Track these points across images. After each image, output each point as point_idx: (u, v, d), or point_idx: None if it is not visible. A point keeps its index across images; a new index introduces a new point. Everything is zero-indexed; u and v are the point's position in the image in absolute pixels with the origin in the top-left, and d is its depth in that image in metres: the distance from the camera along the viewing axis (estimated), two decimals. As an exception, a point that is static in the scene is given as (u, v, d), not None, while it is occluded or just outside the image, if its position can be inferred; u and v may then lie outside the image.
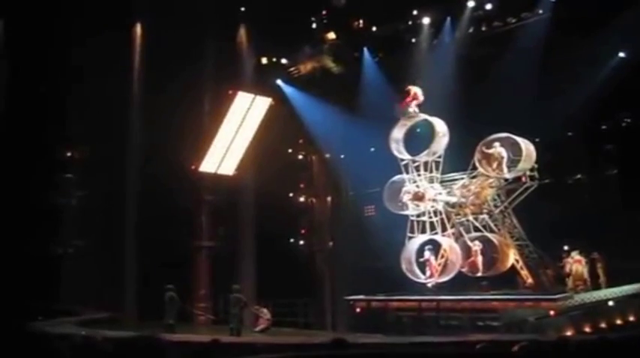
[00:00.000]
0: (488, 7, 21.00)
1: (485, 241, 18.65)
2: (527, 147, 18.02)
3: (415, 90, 19.43)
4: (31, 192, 24.19)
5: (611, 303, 16.53)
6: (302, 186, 25.47)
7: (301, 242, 24.71)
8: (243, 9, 24.51)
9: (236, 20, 24.59)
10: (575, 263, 17.62)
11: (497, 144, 18.34)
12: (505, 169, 18.30)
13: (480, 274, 18.53)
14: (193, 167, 23.95)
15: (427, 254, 19.31)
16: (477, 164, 18.55)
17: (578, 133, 20.62)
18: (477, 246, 18.71)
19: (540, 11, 20.25)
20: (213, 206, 24.72)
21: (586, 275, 17.37)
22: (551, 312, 15.31)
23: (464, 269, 18.67)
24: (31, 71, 23.59)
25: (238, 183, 24.32)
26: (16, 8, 23.16)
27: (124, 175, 24.88)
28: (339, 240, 24.29)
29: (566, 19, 19.18)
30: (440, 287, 18.71)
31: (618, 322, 16.12)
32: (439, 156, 19.35)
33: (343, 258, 23.74)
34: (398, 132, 19.82)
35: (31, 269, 22.88)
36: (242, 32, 24.72)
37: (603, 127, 20.60)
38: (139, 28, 25.09)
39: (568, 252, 17.65)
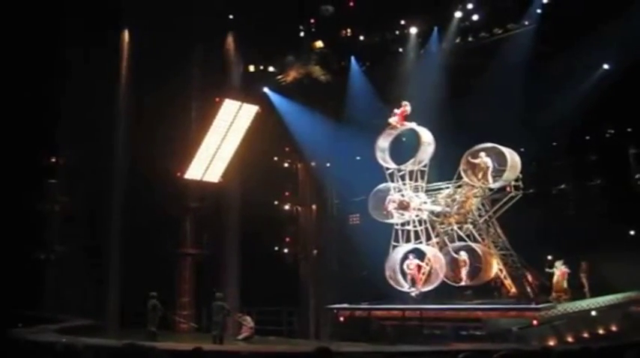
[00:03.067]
0: (475, 17, 21.17)
1: (469, 251, 18.68)
2: (512, 157, 18.11)
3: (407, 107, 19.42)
4: (14, 198, 23.96)
5: (593, 313, 16.60)
6: (287, 194, 25.42)
7: (286, 250, 24.62)
8: (231, 17, 24.52)
9: (224, 28, 24.59)
10: (561, 274, 17.68)
11: (482, 153, 18.42)
12: (490, 179, 18.38)
13: (463, 283, 18.56)
14: (179, 174, 23.84)
15: (411, 263, 19.29)
16: (463, 174, 18.61)
17: (562, 144, 20.80)
18: (463, 256, 18.74)
19: (526, 23, 20.43)
20: (198, 213, 24.62)
21: (566, 285, 17.43)
22: (535, 322, 15.33)
23: (447, 279, 18.67)
24: (16, 76, 23.43)
25: (224, 191, 24.23)
26: (4, 13, 23.02)
27: (109, 181, 24.71)
28: (324, 249, 24.23)
29: (552, 30, 19.39)
30: (424, 297, 18.69)
31: (601, 332, 16.19)
32: (424, 165, 19.40)
33: (327, 266, 23.69)
34: (383, 141, 19.85)
35: (12, 274, 22.63)
36: (230, 40, 24.72)
37: (587, 138, 20.78)
38: (126, 35, 25.03)
39: (552, 262, 17.70)
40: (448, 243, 19.15)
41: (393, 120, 19.47)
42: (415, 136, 19.52)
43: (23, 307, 22.08)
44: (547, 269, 17.92)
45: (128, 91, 24.79)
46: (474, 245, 18.66)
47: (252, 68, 24.92)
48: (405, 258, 19.35)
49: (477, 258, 18.50)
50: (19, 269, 23.36)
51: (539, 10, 20.17)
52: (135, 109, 24.33)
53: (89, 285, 24.73)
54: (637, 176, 19.58)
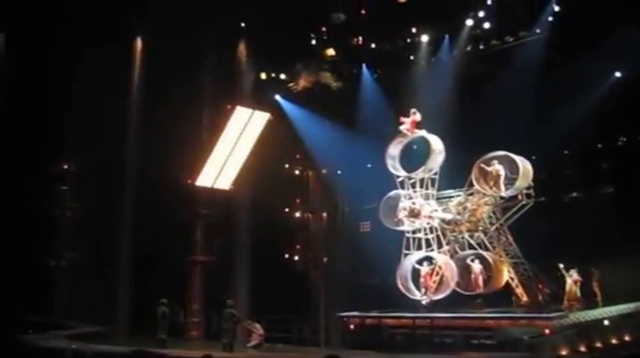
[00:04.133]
0: (487, 25, 21.20)
1: (479, 259, 18.57)
2: (524, 165, 17.99)
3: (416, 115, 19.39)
4: (26, 204, 24.13)
5: (606, 322, 16.41)
6: (298, 201, 25.41)
7: (296, 257, 24.59)
8: (243, 24, 24.66)
9: (236, 35, 24.73)
10: (573, 282, 17.51)
11: (495, 161, 18.30)
12: (502, 187, 18.24)
13: (478, 291, 18.43)
14: (190, 181, 23.91)
15: (423, 271, 19.20)
16: (475, 182, 18.51)
17: (574, 152, 20.69)
18: (478, 265, 18.62)
19: (538, 31, 20.43)
20: (209, 220, 24.64)
21: (579, 294, 17.26)
22: (546, 331, 15.16)
23: (459, 287, 18.56)
24: (30, 84, 23.67)
25: (234, 198, 24.26)
26: (17, 22, 23.30)
27: (121, 188, 24.83)
28: (334, 256, 24.18)
29: (563, 38, 19.35)
30: (434, 305, 18.57)
31: (614, 342, 15.99)
32: (435, 173, 19.31)
33: (338, 273, 23.62)
34: (394, 149, 19.81)
35: (23, 281, 22.77)
36: (242, 47, 24.85)
37: (599, 146, 20.65)
38: (139, 42, 25.22)
39: (566, 270, 17.53)
40: (459, 250, 19.04)
41: (403, 128, 19.44)
42: (426, 144, 19.47)
43: (34, 313, 22.23)
44: (567, 276, 17.66)
45: (140, 98, 24.97)
46: (484, 253, 18.54)
47: (263, 76, 24.99)
48: (417, 265, 19.26)
49: (487, 266, 18.38)
50: (29, 276, 23.51)
51: (550, 18, 20.19)
52: (146, 116, 24.49)
53: (99, 292, 24.81)
54: (650, 184, 19.46)
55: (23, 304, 21.68)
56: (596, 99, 19.32)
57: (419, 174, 19.51)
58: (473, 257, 18.77)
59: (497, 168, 18.27)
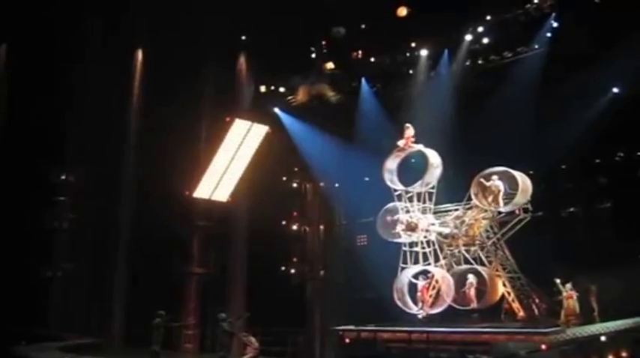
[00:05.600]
0: (485, 40, 21.23)
1: (475, 273, 18.46)
2: (523, 181, 17.93)
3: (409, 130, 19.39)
4: (24, 214, 24.12)
5: (603, 338, 16.23)
6: (295, 213, 25.34)
7: (292, 270, 24.46)
8: (243, 38, 24.82)
9: (236, 48, 24.88)
10: (568, 297, 17.38)
11: (494, 177, 18.24)
12: (501, 203, 18.17)
13: (471, 306, 18.30)
14: (187, 192, 23.89)
15: (420, 285, 19.08)
16: (473, 197, 18.43)
17: (572, 166, 20.63)
18: (472, 279, 18.52)
19: (536, 46, 20.46)
20: (206, 232, 24.60)
21: (578, 308, 17.11)
22: (543, 346, 14.95)
23: (454, 302, 18.43)
24: (30, 94, 23.79)
25: (232, 210, 24.24)
26: (19, 33, 23.48)
27: (118, 199, 24.84)
28: (331, 269, 24.06)
29: (561, 54, 19.42)
30: (430, 319, 18.43)
31: (611, 357, 15.85)
32: (432, 187, 19.24)
33: (334, 287, 23.48)
34: (391, 163, 19.75)
35: (19, 291, 22.68)
36: (242, 60, 25.02)
37: (597, 161, 20.61)
38: (140, 54, 25.39)
39: (562, 285, 17.41)
40: (454, 265, 18.94)
41: (401, 142, 19.43)
42: (423, 158, 19.44)
43: (28, 324, 22.12)
44: (562, 293, 17.56)
45: (139, 110, 25.07)
46: (479, 268, 18.44)
47: (263, 88, 25.13)
48: (415, 279, 19.13)
49: (482, 281, 18.27)
50: (25, 287, 23.44)
51: (549, 34, 20.20)
52: (145, 128, 24.56)
53: (95, 303, 24.73)
54: (647, 199, 19.39)
55: (18, 315, 21.60)
56: (593, 115, 19.30)
57: (416, 188, 19.46)
58: (464, 271, 18.66)
59: (497, 183, 18.21)
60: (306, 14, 22.12)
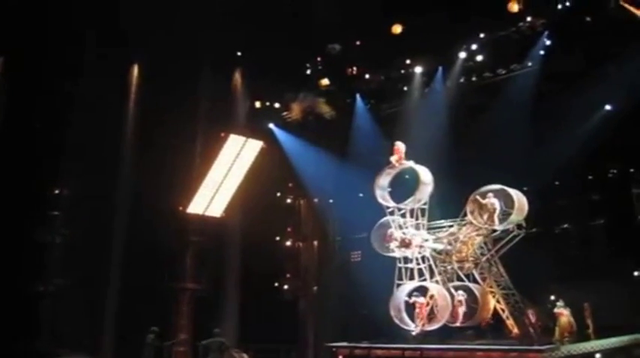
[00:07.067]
0: (479, 58, 21.40)
1: (466, 291, 18.39)
2: (519, 199, 17.89)
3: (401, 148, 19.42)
4: (16, 228, 23.96)
5: (598, 356, 16.15)
6: (289, 229, 25.30)
7: (286, 286, 24.34)
8: (239, 53, 24.93)
9: (232, 64, 24.97)
10: (562, 314, 17.32)
11: (490, 195, 18.21)
12: (497, 221, 18.12)
13: (458, 324, 18.18)
14: (181, 208, 23.82)
15: (418, 302, 18.91)
16: (469, 214, 18.36)
17: (566, 183, 20.66)
18: (460, 296, 18.44)
19: (529, 64, 20.65)
20: (199, 248, 24.47)
21: (573, 325, 17.03)
22: (537, 363, 14.92)
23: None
24: (26, 107, 23.76)
25: (225, 226, 24.15)
26: (16, 47, 23.52)
27: (111, 214, 24.71)
28: (324, 285, 23.97)
29: (554, 71, 19.60)
30: (425, 336, 18.28)
31: (605, 375, 15.76)
32: (424, 203, 19.20)
33: (328, 303, 23.38)
34: (383, 180, 19.71)
35: (9, 307, 22.44)
36: (237, 76, 25.10)
37: (590, 177, 20.67)
38: (135, 69, 25.44)
39: (554, 302, 17.36)
40: (447, 281, 18.86)
41: (393, 158, 19.45)
42: (415, 175, 19.44)
43: (19, 341, 21.85)
44: (553, 311, 17.52)
45: (135, 124, 25.06)
46: (471, 285, 18.37)
47: (258, 104, 25.18)
48: (409, 296, 19.01)
49: (473, 298, 18.18)
50: (16, 302, 23.20)
51: (542, 52, 20.40)
52: (140, 142, 24.54)
53: (87, 319, 24.47)
54: (640, 216, 19.46)
55: (8, 331, 21.35)
56: (587, 132, 19.40)
57: (408, 205, 19.42)
58: (457, 288, 18.59)
59: (493, 201, 18.14)
60: (302, 31, 22.29)
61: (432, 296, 18.67)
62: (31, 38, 23.03)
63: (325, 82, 24.25)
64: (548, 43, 20.17)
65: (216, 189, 23.84)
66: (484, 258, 18.71)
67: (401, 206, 19.44)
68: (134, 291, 23.23)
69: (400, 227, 19.14)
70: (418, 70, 22.56)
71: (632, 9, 17.93)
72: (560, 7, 19.44)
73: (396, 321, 18.82)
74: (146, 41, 23.24)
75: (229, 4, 21.99)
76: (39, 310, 25.00)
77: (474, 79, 21.86)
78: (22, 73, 23.53)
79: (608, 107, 19.83)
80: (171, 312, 23.51)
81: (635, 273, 19.11)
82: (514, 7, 19.84)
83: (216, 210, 23.93)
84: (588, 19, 19.00)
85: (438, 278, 18.88)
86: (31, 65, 23.24)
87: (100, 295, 24.06)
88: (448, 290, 18.66)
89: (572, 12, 19.24)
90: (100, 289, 24.14)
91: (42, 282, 25.25)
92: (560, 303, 17.19)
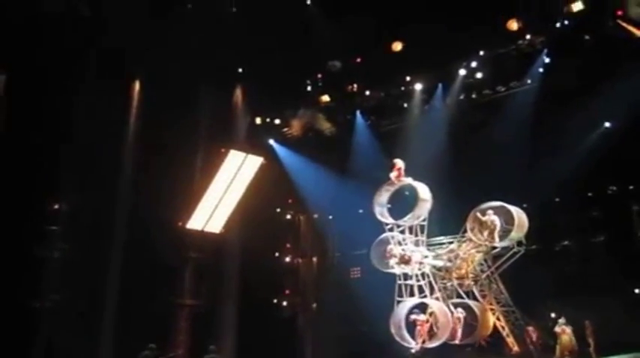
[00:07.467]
0: (479, 75, 21.48)
1: (465, 308, 18.27)
2: (519, 216, 17.92)
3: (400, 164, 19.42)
4: (13, 243, 23.87)
5: (599, 375, 16.05)
6: (288, 245, 25.21)
7: (284, 302, 24.18)
8: (240, 69, 25.03)
9: (233, 80, 25.06)
10: (563, 332, 17.19)
11: (490, 211, 18.22)
12: (497, 238, 18.09)
13: (457, 342, 18.05)
14: (180, 223, 23.73)
15: (419, 319, 18.78)
16: (469, 231, 18.34)
17: (565, 199, 20.64)
18: (459, 313, 18.33)
19: (529, 81, 20.75)
20: (198, 264, 24.33)
21: (574, 343, 16.90)
22: (537, 381, 14.81)
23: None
24: (26, 123, 23.80)
25: (225, 241, 24.02)
26: (18, 64, 23.64)
27: (110, 229, 24.62)
28: (323, 302, 23.82)
29: (554, 89, 19.67)
30: (424, 353, 18.16)
31: (606, 394, 15.60)
32: (424, 220, 19.16)
33: (327, 320, 23.19)
34: (382, 197, 19.71)
35: (6, 322, 22.28)
36: (238, 92, 25.15)
37: (590, 194, 20.65)
38: (137, 85, 25.53)
39: (556, 320, 17.24)
40: (446, 298, 18.76)
41: (392, 175, 19.45)
42: (414, 192, 19.42)
43: (14, 356, 21.65)
44: (554, 329, 17.39)
45: (135, 139, 25.07)
46: (470, 302, 18.26)
47: (258, 120, 25.20)
48: (410, 313, 18.90)
49: (472, 315, 18.06)
50: (11, 319, 23.02)
51: (541, 70, 20.50)
52: (141, 158, 24.54)
53: (83, 335, 24.28)
54: (640, 233, 19.42)
55: (3, 346, 21.17)
56: (586, 149, 19.44)
57: (407, 221, 19.37)
58: (456, 306, 18.49)
59: (493, 218, 18.18)
60: (303, 48, 22.42)
61: (431, 314, 18.57)
62: (32, 55, 23.16)
63: (325, 98, 24.30)
64: (547, 60, 20.27)
65: (216, 204, 23.75)
66: (484, 275, 18.67)
67: (400, 223, 19.40)
68: (132, 307, 23.08)
69: (400, 243, 19.09)
70: (418, 86, 22.62)
71: (629, 27, 18.09)
72: (558, 25, 19.56)
73: (397, 338, 18.69)
74: (147, 57, 23.37)
75: (231, 20, 22.18)
76: (35, 327, 24.84)
77: (473, 96, 21.93)
78: (23, 90, 23.64)
79: (607, 124, 19.89)
80: (169, 328, 23.32)
81: (636, 290, 19.04)
82: (513, 25, 20.02)
83: (216, 225, 23.81)
84: (587, 37, 19.13)
85: (438, 294, 18.79)
86: (32, 82, 23.35)
87: (98, 311, 23.89)
88: (447, 307, 18.58)
89: (570, 30, 19.36)
90: (97, 304, 23.98)
91: (38, 298, 25.11)
92: (561, 321, 17.09)
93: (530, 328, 17.88)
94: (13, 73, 24.42)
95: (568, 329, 17.14)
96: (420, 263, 18.87)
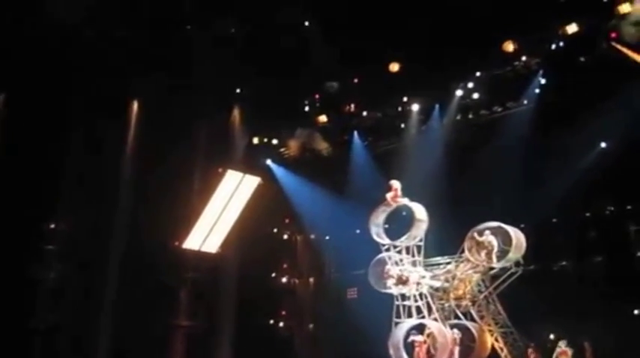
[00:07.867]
0: (476, 96, 21.67)
1: (463, 329, 18.13)
2: (517, 237, 17.79)
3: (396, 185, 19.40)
4: (8, 264, 23.73)
5: (599, 397, 15.88)
6: (285, 266, 25.13)
7: (281, 323, 24.02)
8: (238, 90, 25.16)
9: (230, 100, 25.17)
10: (562, 354, 17.05)
11: (488, 232, 18.13)
12: (495, 259, 18.00)
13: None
14: (177, 243, 23.67)
15: (417, 340, 18.58)
16: (467, 252, 18.22)
17: (563, 220, 20.63)
18: (455, 335, 18.16)
19: (525, 101, 20.89)
20: (194, 284, 24.22)
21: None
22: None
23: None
24: (24, 142, 23.82)
25: (221, 261, 23.95)
26: (17, 84, 23.74)
27: (106, 249, 24.53)
28: (320, 323, 23.68)
29: (550, 109, 19.80)
30: (421, 376, 17.95)
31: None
32: (420, 240, 19.07)
33: (323, 341, 23.05)
34: (378, 217, 19.61)
35: (2, 344, 22.07)
36: (236, 112, 25.24)
37: (587, 215, 20.66)
38: (135, 106, 25.61)
39: (554, 341, 17.11)
40: (443, 319, 18.60)
41: (388, 196, 19.41)
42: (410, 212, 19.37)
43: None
44: (556, 350, 17.21)
45: (133, 159, 25.08)
46: (468, 323, 18.13)
47: (256, 140, 25.30)
48: (408, 334, 18.71)
49: (469, 337, 17.92)
50: (8, 340, 22.81)
51: (537, 90, 20.67)
52: (138, 177, 24.53)
53: (79, 356, 24.05)
54: (639, 253, 19.31)
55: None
56: (583, 169, 19.47)
57: (404, 242, 19.28)
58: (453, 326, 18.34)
59: (490, 239, 18.03)
60: (300, 69, 22.56)
61: (429, 335, 18.40)
62: (31, 74, 23.25)
63: (323, 118, 24.43)
64: (543, 81, 20.44)
65: (213, 224, 23.72)
66: (482, 296, 18.54)
67: (396, 243, 19.30)
68: (128, 327, 22.90)
69: (397, 263, 18.99)
70: (415, 107, 22.77)
71: (624, 50, 18.26)
72: (554, 47, 19.78)
73: (395, 361, 18.49)
74: (145, 77, 23.49)
75: (229, 41, 22.34)
76: (29, 348, 24.60)
77: (470, 116, 22.07)
78: (22, 109, 23.70)
79: (603, 144, 19.96)
80: (165, 350, 23.12)
81: (635, 311, 18.95)
82: (509, 47, 20.22)
83: (213, 245, 23.77)
84: (582, 58, 19.31)
85: (436, 315, 18.63)
86: (31, 101, 23.42)
87: (93, 330, 23.71)
88: (445, 327, 18.42)
89: (565, 52, 19.57)
90: (93, 324, 23.80)
91: (33, 319, 24.90)
92: (562, 343, 16.94)
93: (530, 349, 17.71)
94: (12, 92, 24.58)
95: (570, 352, 16.97)
96: (418, 283, 18.73)
